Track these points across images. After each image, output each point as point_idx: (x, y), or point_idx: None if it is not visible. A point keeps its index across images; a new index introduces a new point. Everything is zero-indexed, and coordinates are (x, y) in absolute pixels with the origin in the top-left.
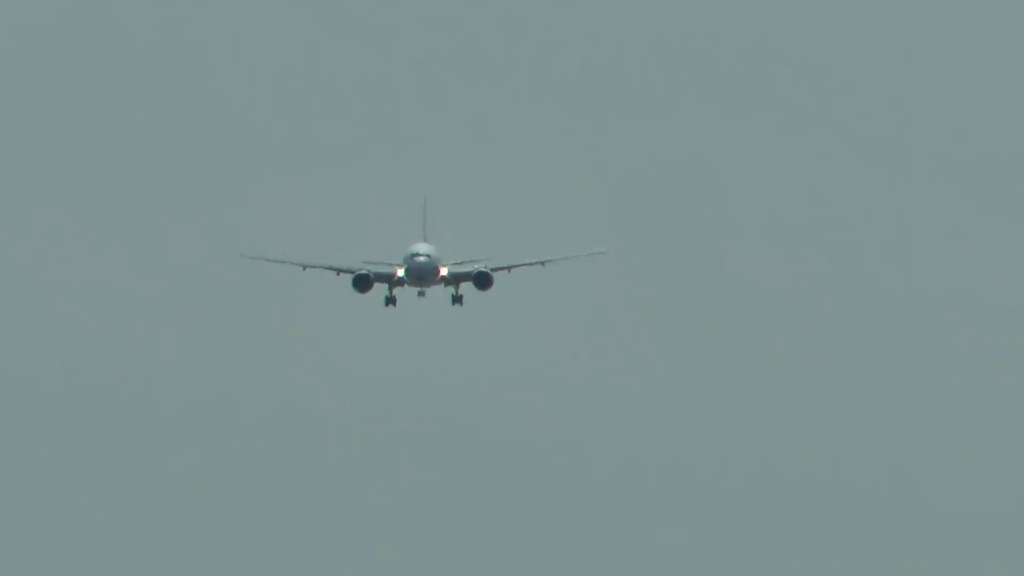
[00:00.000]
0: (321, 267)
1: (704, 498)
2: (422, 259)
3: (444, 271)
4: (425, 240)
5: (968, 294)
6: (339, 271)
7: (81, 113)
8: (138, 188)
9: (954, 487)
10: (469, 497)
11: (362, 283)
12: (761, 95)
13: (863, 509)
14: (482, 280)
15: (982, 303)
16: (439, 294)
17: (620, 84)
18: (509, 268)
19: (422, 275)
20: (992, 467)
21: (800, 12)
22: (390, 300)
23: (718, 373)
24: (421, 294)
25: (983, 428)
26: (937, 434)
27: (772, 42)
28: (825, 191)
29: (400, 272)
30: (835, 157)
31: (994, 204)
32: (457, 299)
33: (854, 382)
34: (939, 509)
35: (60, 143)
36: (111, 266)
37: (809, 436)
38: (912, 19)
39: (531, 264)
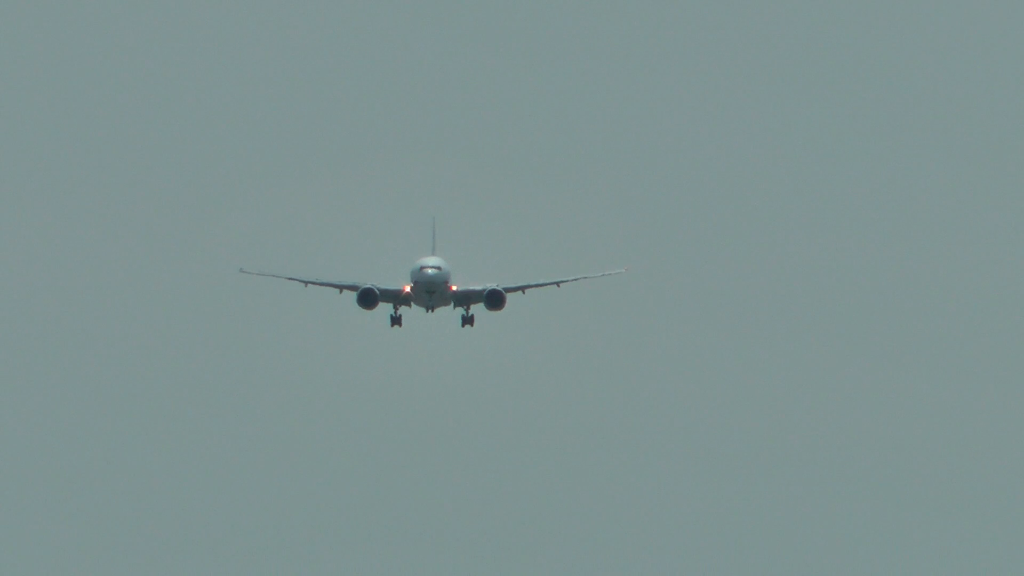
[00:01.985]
0: (324, 284)
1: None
2: (431, 271)
3: (454, 288)
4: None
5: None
6: (342, 288)
7: (74, 118)
8: (136, 197)
9: (968, 471)
10: (470, 537)
11: (367, 300)
12: (769, 96)
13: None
14: (494, 299)
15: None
16: (448, 315)
17: (634, 95)
18: (522, 288)
19: (432, 288)
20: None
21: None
22: (396, 320)
23: (748, 397)
24: (430, 310)
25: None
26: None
27: (775, 43)
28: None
29: (408, 288)
30: (846, 149)
31: (996, 198)
32: (467, 320)
33: (886, 383)
34: (952, 496)
35: (51, 149)
36: (104, 279)
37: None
38: (912, 15)
39: (546, 285)
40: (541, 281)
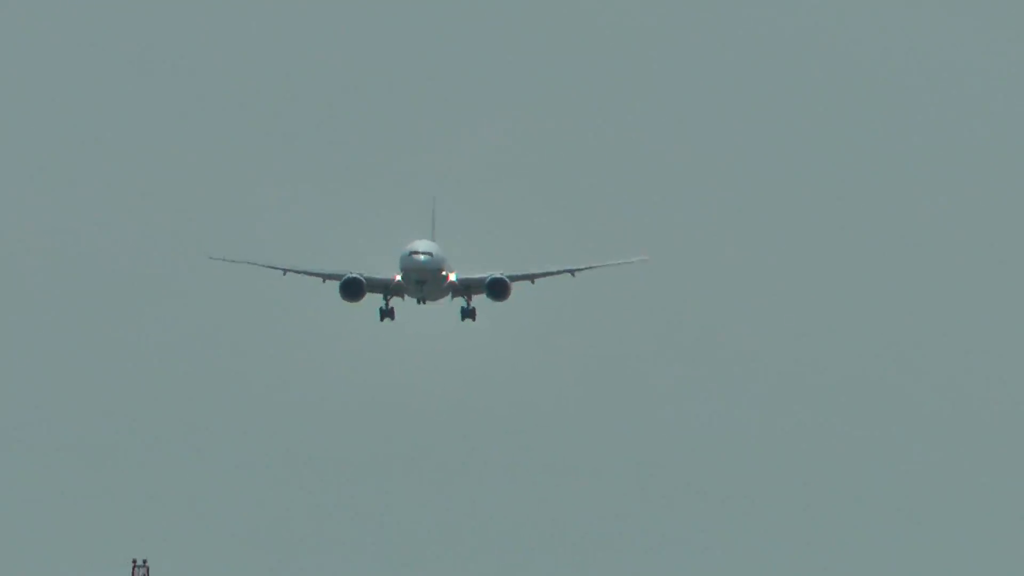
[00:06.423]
0: (304, 272)
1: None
2: (422, 257)
3: (452, 277)
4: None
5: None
6: (325, 277)
7: (47, 105)
8: (106, 184)
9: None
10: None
11: (352, 290)
12: (779, 82)
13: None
14: (497, 288)
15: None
16: (447, 307)
17: (647, 82)
18: (531, 277)
19: (422, 276)
20: None
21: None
22: (386, 312)
23: (773, 393)
24: (421, 301)
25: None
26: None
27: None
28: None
29: (398, 277)
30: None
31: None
32: (468, 312)
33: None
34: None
35: (23, 136)
36: (68, 266)
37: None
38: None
39: (557, 273)
40: (552, 269)
